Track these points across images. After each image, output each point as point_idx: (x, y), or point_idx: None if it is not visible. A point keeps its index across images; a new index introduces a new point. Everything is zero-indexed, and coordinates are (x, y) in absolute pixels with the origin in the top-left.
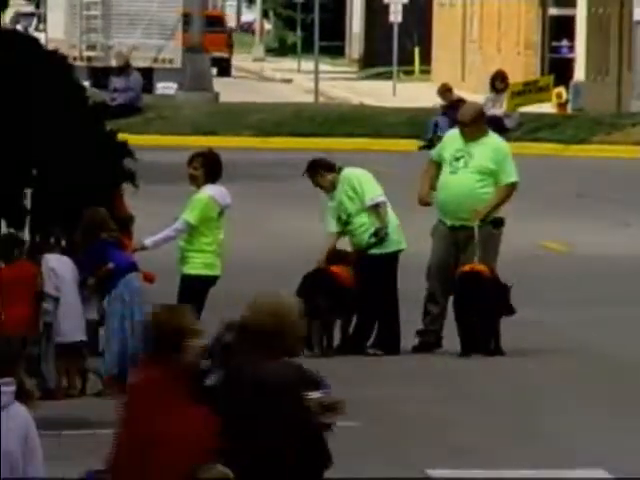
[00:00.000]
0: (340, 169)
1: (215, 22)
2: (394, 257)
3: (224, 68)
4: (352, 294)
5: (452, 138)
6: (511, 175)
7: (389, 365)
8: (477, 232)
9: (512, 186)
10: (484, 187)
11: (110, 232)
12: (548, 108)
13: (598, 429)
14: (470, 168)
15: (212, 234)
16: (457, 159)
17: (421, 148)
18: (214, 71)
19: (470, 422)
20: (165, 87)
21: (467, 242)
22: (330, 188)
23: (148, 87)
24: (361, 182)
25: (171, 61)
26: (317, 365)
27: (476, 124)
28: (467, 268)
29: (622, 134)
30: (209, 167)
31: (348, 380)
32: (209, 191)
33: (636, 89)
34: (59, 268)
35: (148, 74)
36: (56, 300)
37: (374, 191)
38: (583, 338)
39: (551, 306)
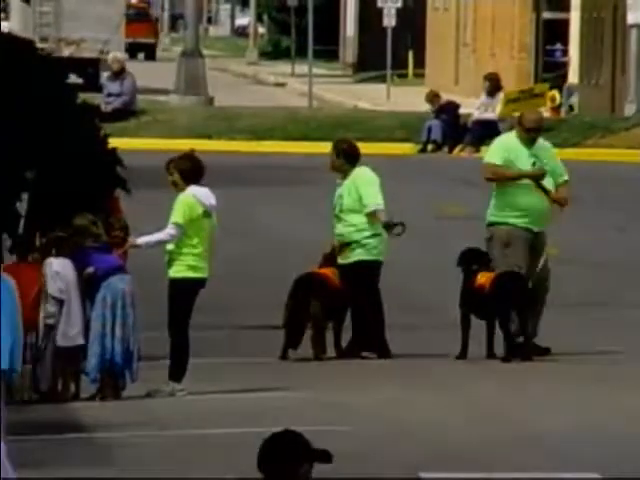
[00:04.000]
0: (356, 162)
1: (142, 12)
2: (377, 265)
3: (150, 53)
4: (344, 297)
5: (511, 144)
6: (564, 173)
7: (383, 368)
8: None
9: (566, 183)
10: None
11: (96, 237)
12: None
13: (595, 433)
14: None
15: (198, 236)
16: (533, 164)
17: (419, 152)
18: (141, 56)
19: (465, 425)
20: None
21: (542, 247)
22: (343, 175)
23: (95, 76)
24: (364, 185)
25: None
26: (310, 369)
27: (541, 131)
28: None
29: (616, 138)
30: (183, 169)
31: (342, 384)
32: (191, 191)
33: (630, 93)
34: (64, 271)
35: (95, 64)
36: (60, 303)
37: (375, 198)
38: (578, 340)
39: (546, 309)
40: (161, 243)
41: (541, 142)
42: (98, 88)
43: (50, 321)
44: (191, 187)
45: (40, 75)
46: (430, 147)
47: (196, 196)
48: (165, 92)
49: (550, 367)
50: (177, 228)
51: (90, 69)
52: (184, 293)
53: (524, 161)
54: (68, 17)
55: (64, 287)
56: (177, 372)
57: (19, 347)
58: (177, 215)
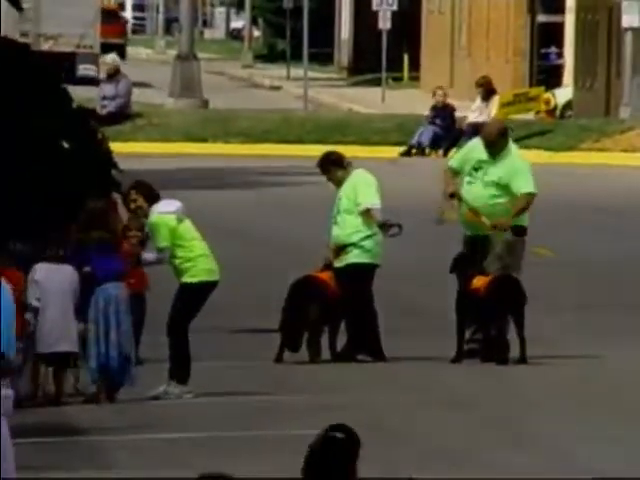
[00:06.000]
0: (350, 165)
1: (112, 15)
2: (371, 268)
3: (120, 53)
4: (340, 300)
5: (474, 148)
6: (526, 186)
7: (379, 372)
8: (496, 241)
9: (529, 196)
10: (498, 198)
11: (103, 233)
12: (531, 115)
13: (588, 436)
14: (486, 180)
15: (192, 240)
16: (476, 169)
17: (401, 154)
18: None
19: (457, 429)
20: (85, 68)
21: (485, 251)
22: (338, 184)
23: (71, 69)
24: (362, 185)
25: (91, 47)
26: (304, 371)
27: (499, 142)
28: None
29: (611, 141)
30: (146, 193)
31: (338, 387)
32: (155, 210)
33: (624, 96)
34: (45, 279)
35: (71, 57)
36: (35, 310)
37: (370, 197)
38: (575, 344)
39: (541, 312)
40: (153, 264)
41: (507, 157)
42: (75, 80)
43: (29, 328)
44: (153, 207)
45: (35, 79)
46: (414, 151)
47: (161, 211)
48: (144, 85)
49: (546, 369)
50: (163, 253)
51: (67, 63)
52: (200, 297)
53: (471, 165)
54: (47, 13)
55: (40, 295)
56: (183, 374)
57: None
58: (158, 240)
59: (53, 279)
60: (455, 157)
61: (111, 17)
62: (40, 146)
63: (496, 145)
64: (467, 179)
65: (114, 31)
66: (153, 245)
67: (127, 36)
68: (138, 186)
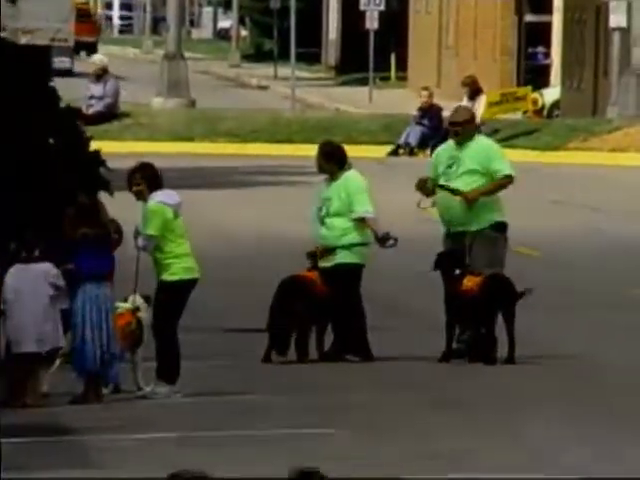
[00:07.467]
0: (349, 166)
1: (84, 14)
2: (358, 268)
3: (92, 50)
4: (327, 300)
5: (443, 151)
6: (505, 168)
7: (366, 371)
8: (474, 239)
9: (507, 178)
10: (475, 183)
11: (88, 229)
12: (519, 115)
13: (579, 437)
14: (461, 171)
15: (180, 237)
16: (450, 166)
17: (389, 154)
18: (83, 53)
19: (450, 429)
20: (61, 61)
21: (476, 249)
22: (330, 177)
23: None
24: (355, 191)
25: (66, 40)
26: (293, 371)
27: (468, 125)
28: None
29: (598, 141)
30: (150, 178)
31: (325, 387)
32: (156, 198)
33: (612, 96)
34: (13, 280)
35: (47, 51)
36: (3, 313)
37: (365, 205)
38: (562, 343)
39: (528, 311)
40: (140, 251)
41: (475, 143)
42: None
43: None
44: (153, 194)
45: (22, 78)
46: (401, 151)
47: (163, 201)
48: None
49: (534, 368)
50: (150, 240)
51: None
52: (180, 295)
53: (443, 164)
54: (25, 8)
55: (8, 296)
56: (171, 374)
57: None
58: (150, 227)
59: (22, 280)
60: (430, 167)
61: (83, 16)
62: (28, 144)
63: (465, 128)
64: (443, 179)
65: (86, 30)
66: (142, 230)
67: (99, 34)
68: (144, 169)
